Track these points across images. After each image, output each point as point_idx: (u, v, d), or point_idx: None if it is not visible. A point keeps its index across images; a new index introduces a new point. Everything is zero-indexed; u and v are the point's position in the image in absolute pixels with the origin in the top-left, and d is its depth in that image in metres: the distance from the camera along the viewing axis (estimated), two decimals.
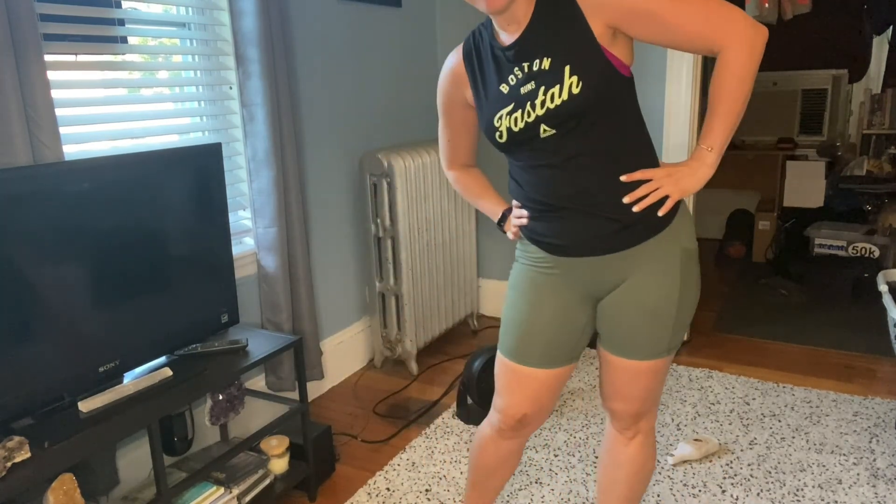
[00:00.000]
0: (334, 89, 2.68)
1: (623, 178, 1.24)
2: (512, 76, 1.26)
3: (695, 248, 1.33)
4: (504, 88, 1.27)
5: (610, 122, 1.23)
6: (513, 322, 1.41)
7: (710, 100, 1.22)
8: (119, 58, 1.90)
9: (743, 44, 1.15)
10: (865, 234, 4.02)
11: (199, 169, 1.82)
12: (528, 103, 1.23)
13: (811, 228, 4.22)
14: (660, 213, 1.26)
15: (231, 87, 2.25)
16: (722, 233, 4.71)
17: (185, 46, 2.14)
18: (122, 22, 1.91)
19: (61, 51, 1.75)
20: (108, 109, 1.91)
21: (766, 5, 3.38)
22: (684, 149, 2.88)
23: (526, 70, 1.23)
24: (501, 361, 1.44)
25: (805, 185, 4.31)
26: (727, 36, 1.15)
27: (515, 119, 1.25)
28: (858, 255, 4.00)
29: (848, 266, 3.86)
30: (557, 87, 1.19)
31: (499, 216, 1.50)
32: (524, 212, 1.36)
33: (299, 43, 2.47)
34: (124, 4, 1.95)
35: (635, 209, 1.24)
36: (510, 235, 1.45)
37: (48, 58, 1.66)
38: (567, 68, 1.18)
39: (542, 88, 1.21)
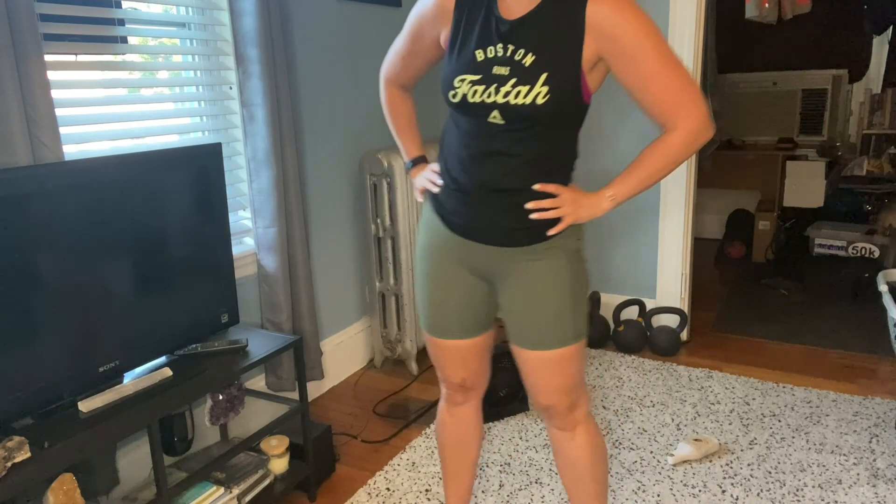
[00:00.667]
0: (334, 89, 2.68)
1: (536, 186, 1.29)
2: (492, 48, 1.25)
3: (581, 247, 1.41)
4: (479, 55, 1.26)
5: (553, 135, 1.28)
6: (425, 301, 1.50)
7: (638, 160, 1.29)
8: (119, 58, 1.90)
9: (690, 132, 1.23)
10: (865, 234, 4.02)
11: (199, 169, 1.82)
12: (494, 85, 1.24)
13: (811, 228, 4.22)
14: (549, 234, 1.33)
15: (231, 87, 2.25)
16: (722, 233, 4.71)
17: (185, 46, 2.14)
18: (122, 22, 1.91)
19: (61, 51, 1.75)
20: (108, 109, 1.91)
21: (766, 5, 3.38)
22: None
23: (508, 53, 1.23)
24: (426, 337, 1.56)
25: (805, 185, 4.31)
26: (683, 119, 1.22)
27: (476, 91, 1.25)
28: (858, 255, 4.00)
29: (848, 266, 3.86)
30: (527, 87, 1.21)
31: (412, 159, 1.58)
32: (440, 180, 1.40)
33: (299, 43, 2.47)
34: (124, 4, 1.95)
35: (533, 216, 1.31)
36: (416, 193, 1.53)
37: (48, 58, 1.66)
38: (544, 76, 1.20)
39: (513, 81, 1.22)
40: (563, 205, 1.30)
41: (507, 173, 1.29)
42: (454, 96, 1.28)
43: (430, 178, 1.43)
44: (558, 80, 1.20)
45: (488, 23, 1.26)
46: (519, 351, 1.44)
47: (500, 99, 1.23)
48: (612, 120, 3.04)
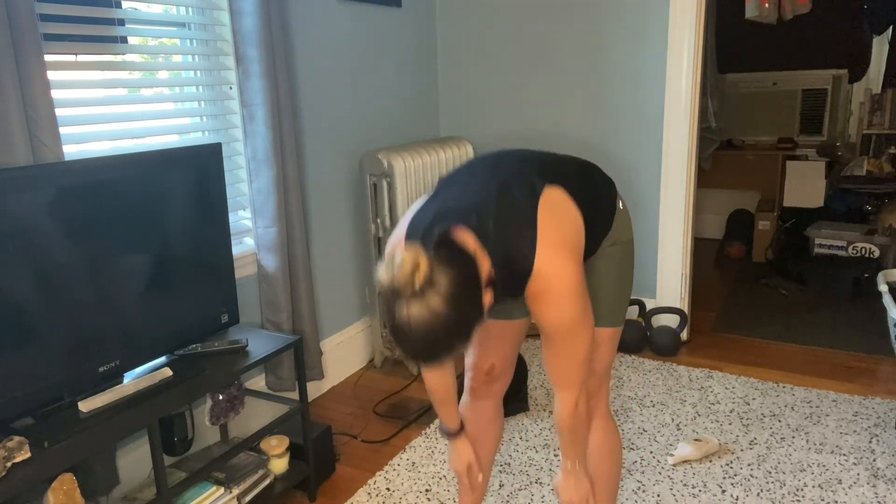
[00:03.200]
0: (334, 89, 2.68)
1: None
2: None
3: (630, 239, 1.45)
4: None
5: None
6: None
7: (560, 436, 1.36)
8: (119, 58, 1.90)
9: (568, 408, 1.31)
10: (865, 234, 4.02)
11: (199, 169, 1.82)
12: None
13: (811, 228, 4.22)
14: None
15: (231, 87, 2.25)
16: (722, 233, 4.71)
17: (185, 46, 2.14)
18: (122, 22, 1.91)
19: (61, 51, 1.75)
20: (108, 109, 1.91)
21: (766, 5, 3.38)
22: (683, 149, 2.89)
23: None
24: None
25: (805, 185, 4.31)
26: (563, 394, 1.30)
27: None
28: (858, 255, 4.00)
29: (848, 266, 3.86)
30: None
31: (448, 428, 1.58)
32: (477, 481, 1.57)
33: (299, 43, 2.47)
34: (124, 4, 1.95)
35: None
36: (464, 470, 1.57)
37: (48, 58, 1.66)
38: None
39: None
40: None
41: None
42: None
43: (470, 474, 1.56)
44: None
45: None
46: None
47: None
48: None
